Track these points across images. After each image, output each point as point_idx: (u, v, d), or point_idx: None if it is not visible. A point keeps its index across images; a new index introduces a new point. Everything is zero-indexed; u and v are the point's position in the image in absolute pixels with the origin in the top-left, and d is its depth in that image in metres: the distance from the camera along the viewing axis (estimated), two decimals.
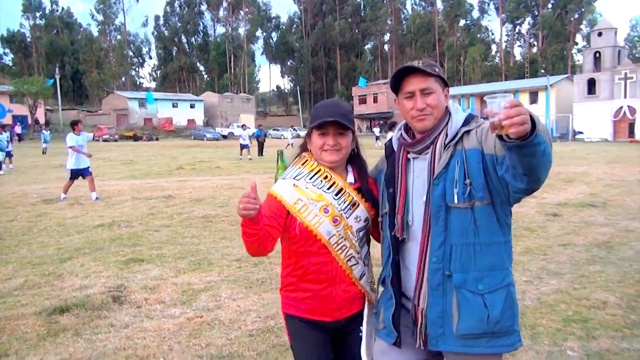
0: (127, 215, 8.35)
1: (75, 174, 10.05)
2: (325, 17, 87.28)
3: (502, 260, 1.69)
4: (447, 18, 79.94)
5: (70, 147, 10.02)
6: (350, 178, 1.97)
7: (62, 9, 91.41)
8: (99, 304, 4.15)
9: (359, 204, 1.91)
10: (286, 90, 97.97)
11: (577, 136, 43.71)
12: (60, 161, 18.41)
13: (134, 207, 9.20)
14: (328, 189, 1.90)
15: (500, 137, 1.37)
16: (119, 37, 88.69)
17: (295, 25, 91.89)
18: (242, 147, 23.12)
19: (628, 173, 14.49)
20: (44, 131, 29.29)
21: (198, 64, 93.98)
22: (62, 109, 57.72)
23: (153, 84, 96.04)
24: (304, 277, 1.92)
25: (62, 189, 10.16)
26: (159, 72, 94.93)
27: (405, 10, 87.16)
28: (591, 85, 44.51)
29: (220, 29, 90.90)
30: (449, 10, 79.21)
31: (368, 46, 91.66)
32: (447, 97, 1.78)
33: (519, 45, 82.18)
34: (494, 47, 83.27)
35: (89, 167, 10.18)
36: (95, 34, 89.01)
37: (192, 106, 67.08)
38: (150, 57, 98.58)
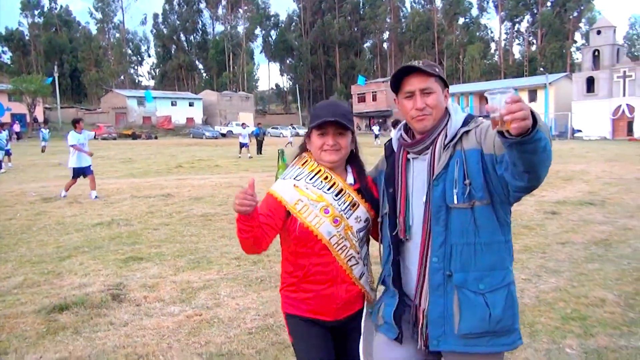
0: (126, 213, 8.35)
1: (78, 172, 10.05)
2: (324, 15, 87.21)
3: (503, 259, 1.70)
4: (446, 16, 79.96)
5: (72, 146, 10.01)
6: (350, 179, 1.97)
7: (61, 7, 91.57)
8: (98, 302, 4.15)
9: (359, 205, 1.91)
10: (285, 89, 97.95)
11: (575, 134, 43.76)
12: (59, 159, 18.41)
13: (133, 205, 9.19)
14: (328, 189, 1.90)
15: (501, 133, 1.36)
16: (117, 35, 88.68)
17: (294, 24, 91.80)
18: (242, 145, 23.08)
19: (627, 171, 14.52)
20: (42, 129, 29.19)
21: (197, 62, 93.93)
22: (61, 107, 57.70)
23: (152, 82, 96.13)
24: (305, 278, 1.92)
25: (64, 187, 10.18)
26: (157, 70, 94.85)
27: (404, 8, 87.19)
28: (590, 83, 44.52)
29: (219, 27, 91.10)
30: (448, 8, 79.22)
31: (367, 44, 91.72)
32: (447, 97, 1.78)
33: (518, 44, 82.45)
34: (493, 45, 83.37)
35: (90, 165, 10.18)
36: (94, 32, 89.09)
37: (191, 104, 67.04)
38: (149, 55, 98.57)
